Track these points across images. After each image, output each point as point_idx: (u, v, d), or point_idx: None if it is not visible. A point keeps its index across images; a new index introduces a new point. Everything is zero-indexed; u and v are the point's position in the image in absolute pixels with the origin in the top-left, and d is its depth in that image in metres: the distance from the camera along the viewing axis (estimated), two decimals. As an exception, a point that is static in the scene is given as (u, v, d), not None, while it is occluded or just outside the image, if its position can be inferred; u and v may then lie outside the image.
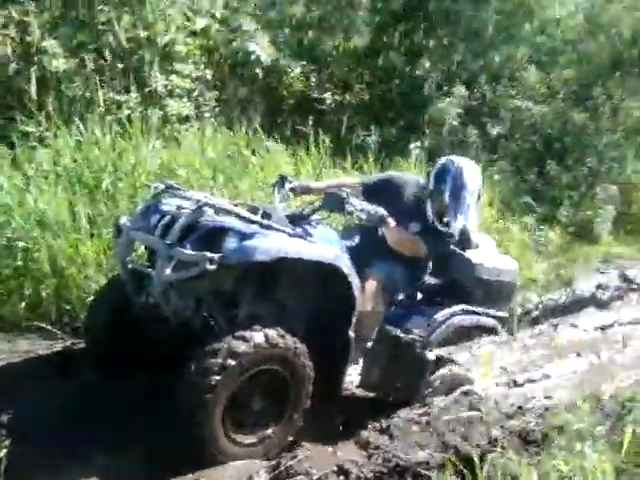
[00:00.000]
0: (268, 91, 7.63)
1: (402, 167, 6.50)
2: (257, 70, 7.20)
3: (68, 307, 4.50)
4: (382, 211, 3.60)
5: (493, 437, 3.50)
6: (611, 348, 5.58)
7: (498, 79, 9.48)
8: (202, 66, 6.84)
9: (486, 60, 9.66)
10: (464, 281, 4.05)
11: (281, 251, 3.07)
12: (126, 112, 5.80)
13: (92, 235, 4.67)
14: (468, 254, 4.07)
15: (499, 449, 3.19)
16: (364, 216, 3.53)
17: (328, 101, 7.58)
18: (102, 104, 5.75)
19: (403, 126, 7.87)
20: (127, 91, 6.09)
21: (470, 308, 4.02)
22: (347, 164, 6.41)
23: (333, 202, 3.53)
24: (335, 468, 3.05)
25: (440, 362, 3.92)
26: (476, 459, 2.79)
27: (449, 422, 3.56)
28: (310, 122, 6.79)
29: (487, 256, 4.16)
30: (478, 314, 4.06)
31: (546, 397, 4.27)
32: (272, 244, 3.08)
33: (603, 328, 6.22)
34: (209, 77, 6.86)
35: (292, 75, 7.66)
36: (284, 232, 3.22)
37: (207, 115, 6.47)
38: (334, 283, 3.36)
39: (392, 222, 3.63)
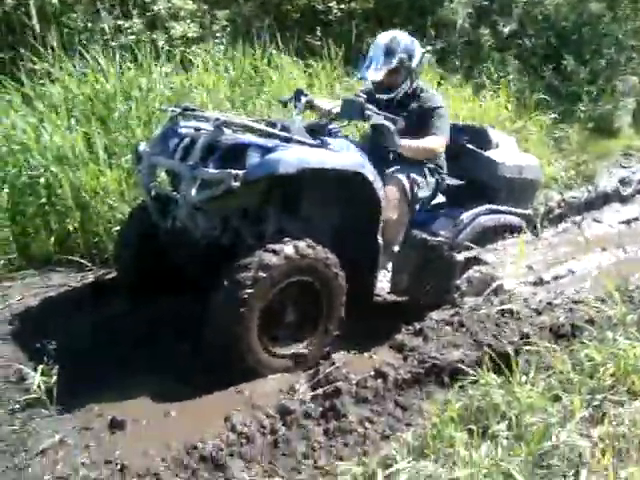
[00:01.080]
0: (273, 7, 7.43)
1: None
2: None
3: (95, 239, 4.55)
4: (397, 118, 3.52)
5: (525, 333, 3.56)
6: (636, 242, 5.59)
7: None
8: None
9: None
10: (487, 181, 4.03)
11: (304, 162, 3.06)
12: (130, 38, 5.68)
13: (111, 165, 4.67)
14: (490, 153, 4.05)
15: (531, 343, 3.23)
16: (381, 121, 3.43)
17: (334, 11, 7.34)
18: (106, 32, 5.62)
19: (412, 30, 7.63)
20: (129, 17, 5.95)
21: (495, 207, 4.01)
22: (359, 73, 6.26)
23: (351, 109, 3.45)
24: (373, 372, 3.12)
25: (469, 263, 3.97)
26: (511, 353, 2.84)
27: (481, 321, 3.63)
28: (318, 34, 6.66)
29: (509, 154, 4.14)
30: (503, 213, 4.05)
31: (575, 292, 4.32)
32: (294, 156, 3.06)
33: (628, 222, 6.21)
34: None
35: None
36: (305, 143, 3.20)
37: (218, 35, 6.32)
38: (359, 190, 3.35)
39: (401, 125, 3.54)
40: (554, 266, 5.12)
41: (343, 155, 3.29)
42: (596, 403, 2.58)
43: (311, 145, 3.22)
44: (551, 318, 3.73)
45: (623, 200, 6.77)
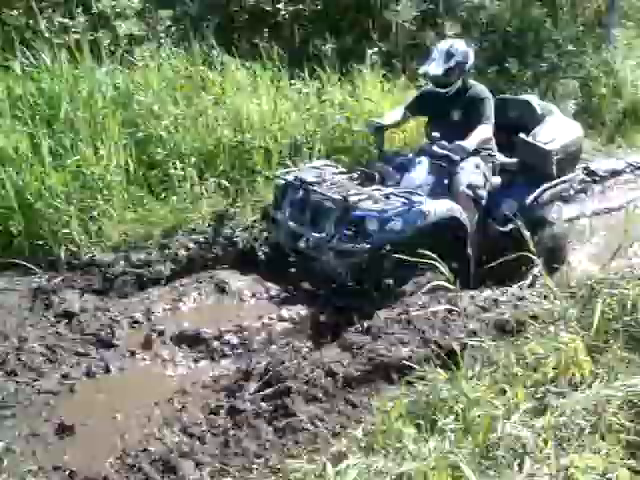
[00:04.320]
0: (219, 8, 7.39)
1: (360, 74, 6.42)
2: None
3: (40, 242, 4.47)
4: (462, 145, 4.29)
5: (471, 329, 3.63)
6: (578, 239, 5.75)
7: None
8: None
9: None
10: (542, 167, 4.68)
11: (413, 226, 3.95)
12: (74, 37, 5.58)
13: (56, 167, 4.60)
14: (540, 138, 4.69)
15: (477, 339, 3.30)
16: (451, 154, 4.32)
17: (282, 12, 7.35)
18: (50, 30, 5.51)
19: (359, 32, 7.71)
20: (72, 16, 5.84)
21: (548, 185, 4.74)
22: (305, 75, 6.37)
23: (424, 152, 4.50)
24: (322, 370, 3.15)
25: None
26: (456, 348, 2.90)
27: (428, 318, 3.70)
28: (265, 35, 6.67)
29: (556, 132, 4.79)
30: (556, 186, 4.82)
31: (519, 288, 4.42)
32: (404, 223, 3.94)
33: (570, 220, 6.37)
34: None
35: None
36: (405, 200, 4.02)
37: (162, 35, 6.27)
38: (452, 225, 4.19)
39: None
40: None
41: (440, 205, 4.13)
42: (539, 395, 2.66)
43: (410, 201, 4.00)
44: (496, 314, 3.82)
45: (565, 200, 6.95)
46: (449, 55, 4.55)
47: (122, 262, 4.49)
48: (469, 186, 4.41)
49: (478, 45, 8.55)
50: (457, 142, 4.28)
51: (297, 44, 7.27)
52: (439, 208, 4.10)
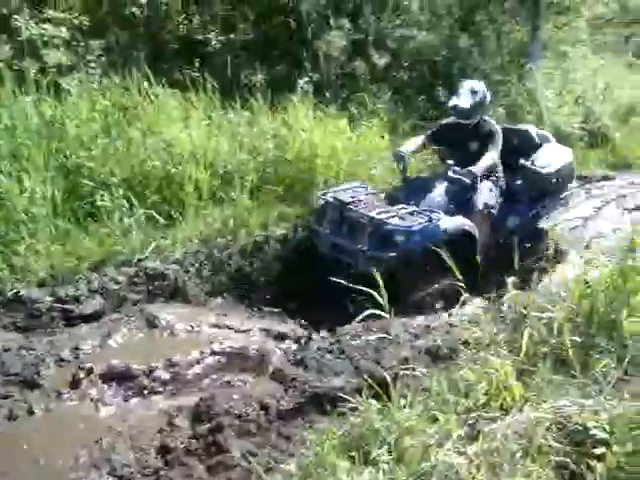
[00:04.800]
0: (151, 37, 7.34)
1: (291, 104, 6.44)
2: (135, 10, 6.92)
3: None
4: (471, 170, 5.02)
5: (404, 357, 3.65)
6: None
7: (382, 9, 9.49)
8: (77, 13, 6.49)
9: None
10: (540, 187, 5.54)
11: (432, 239, 4.51)
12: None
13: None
14: (538, 163, 5.47)
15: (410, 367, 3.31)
16: (463, 178, 5.01)
17: (213, 42, 7.35)
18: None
19: (291, 62, 7.77)
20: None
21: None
22: (237, 105, 6.35)
23: (441, 176, 5.25)
24: (255, 404, 3.10)
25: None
26: (389, 379, 2.89)
27: (361, 347, 3.70)
28: (197, 65, 6.64)
29: (552, 158, 5.59)
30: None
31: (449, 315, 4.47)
32: (424, 236, 4.62)
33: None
34: (87, 24, 6.51)
35: (175, 18, 7.43)
36: (424, 217, 4.73)
37: (92, 64, 6.16)
38: (463, 239, 4.88)
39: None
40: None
41: (455, 221, 4.90)
42: (471, 421, 2.68)
43: (430, 218, 4.70)
44: (428, 341, 3.85)
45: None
46: (473, 92, 5.33)
47: (48, 298, 4.33)
48: (485, 205, 5.27)
49: (408, 74, 8.76)
50: (467, 168, 5.03)
51: (229, 74, 7.26)
52: (454, 224, 4.87)
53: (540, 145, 5.76)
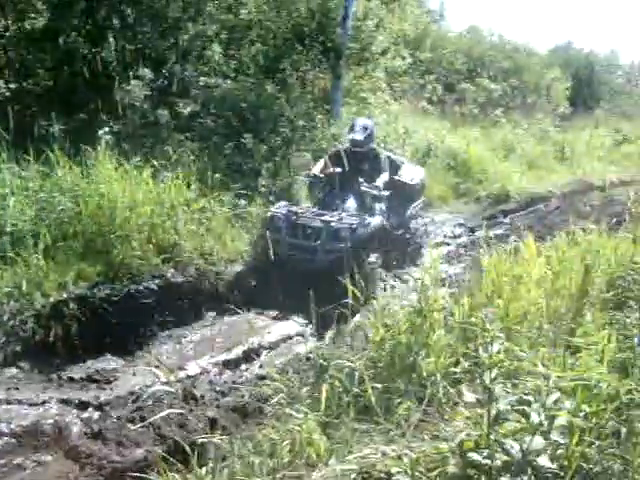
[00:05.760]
0: None
1: (92, 155, 6.15)
2: None
3: None
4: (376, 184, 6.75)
5: (211, 418, 3.52)
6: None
7: (187, 57, 9.47)
8: None
9: (174, 39, 9.59)
10: (408, 195, 7.51)
11: (367, 232, 6.30)
12: None
13: None
14: (403, 176, 7.41)
15: (216, 430, 3.20)
16: (372, 190, 6.71)
17: (2, 90, 6.88)
18: None
19: (91, 111, 7.45)
20: None
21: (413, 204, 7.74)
22: (30, 156, 5.96)
23: (349, 190, 6.86)
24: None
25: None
26: (187, 448, 2.76)
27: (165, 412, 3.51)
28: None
29: (412, 174, 7.64)
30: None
31: (259, 367, 4.42)
32: (363, 230, 6.25)
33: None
34: None
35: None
36: (358, 219, 6.33)
37: None
38: (383, 230, 6.67)
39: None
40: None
41: (376, 220, 6.58)
42: (276, 482, 2.61)
43: (363, 218, 6.37)
44: (235, 398, 3.76)
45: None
46: (365, 128, 7.05)
47: None
48: (381, 209, 6.88)
49: (214, 122, 8.74)
50: (373, 183, 6.72)
51: (23, 123, 6.81)
52: (377, 222, 6.57)
53: (400, 166, 7.65)
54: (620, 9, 77.72)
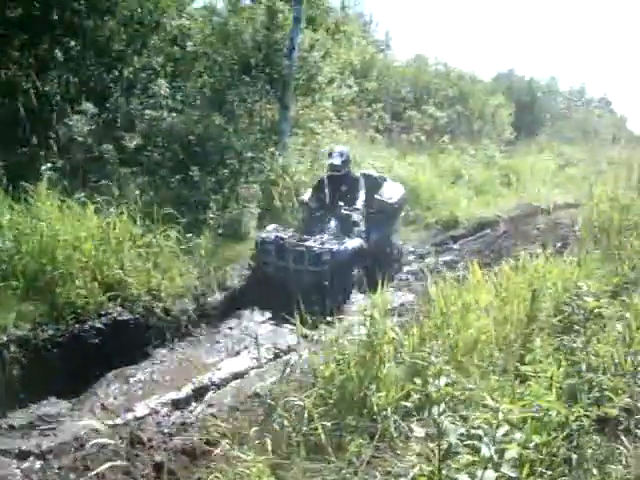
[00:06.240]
0: None
1: (34, 191, 6.00)
2: None
3: None
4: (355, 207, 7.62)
5: (158, 462, 3.41)
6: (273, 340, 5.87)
7: (132, 90, 9.38)
8: None
9: (118, 72, 9.52)
10: (388, 211, 8.15)
11: (345, 255, 6.94)
12: None
13: None
14: (384, 195, 8.11)
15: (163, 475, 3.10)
16: (351, 213, 7.52)
17: None
18: None
19: (33, 146, 7.29)
20: None
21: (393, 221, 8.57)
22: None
23: (331, 213, 7.60)
24: None
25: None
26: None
27: (110, 459, 3.38)
28: None
29: (393, 192, 8.30)
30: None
31: (209, 406, 4.32)
32: (343, 254, 6.92)
33: (264, 322, 6.50)
34: None
35: None
36: (338, 243, 7.05)
37: None
38: (362, 250, 7.28)
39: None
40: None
41: (354, 242, 7.18)
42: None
43: (341, 243, 7.04)
44: (185, 440, 3.65)
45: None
46: (342, 154, 7.85)
47: None
48: (359, 230, 7.53)
49: (161, 155, 8.65)
50: (352, 207, 7.56)
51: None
52: (355, 244, 7.19)
53: (381, 184, 8.31)
54: (558, 37, 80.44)
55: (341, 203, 7.53)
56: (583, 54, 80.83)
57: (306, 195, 8.09)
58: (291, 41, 11.06)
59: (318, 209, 7.72)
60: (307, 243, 7.02)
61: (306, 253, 6.89)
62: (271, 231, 7.36)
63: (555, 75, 43.04)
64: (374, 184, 8.21)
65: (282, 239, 7.11)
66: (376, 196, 8.00)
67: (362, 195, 7.76)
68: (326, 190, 7.77)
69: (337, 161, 7.75)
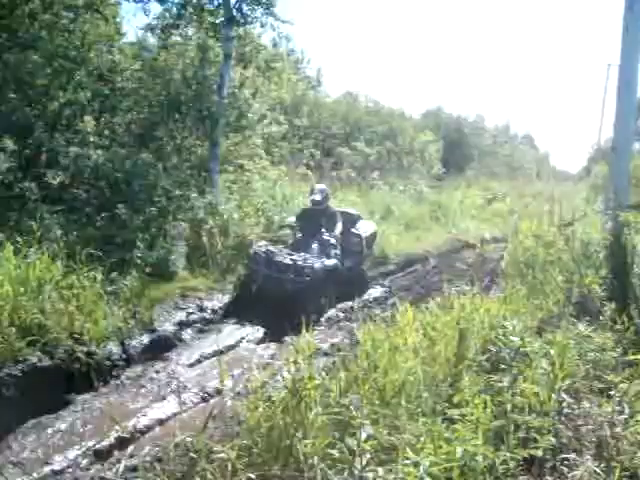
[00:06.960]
0: None
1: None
2: None
3: None
4: (334, 234, 8.93)
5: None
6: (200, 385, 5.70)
7: (56, 126, 9.15)
8: None
9: (41, 107, 9.28)
10: (363, 245, 9.45)
11: (325, 270, 8.17)
12: None
13: None
14: (359, 229, 9.55)
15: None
16: (330, 239, 8.80)
17: None
18: None
19: None
20: None
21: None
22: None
23: (313, 238, 8.88)
24: None
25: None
26: None
27: None
28: None
29: (365, 227, 9.80)
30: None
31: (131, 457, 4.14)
32: (321, 269, 8.10)
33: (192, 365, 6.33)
34: None
35: None
36: (317, 260, 8.26)
37: None
38: (335, 270, 8.47)
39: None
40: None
41: (331, 261, 8.42)
42: None
43: (321, 260, 8.29)
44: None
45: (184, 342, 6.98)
46: (322, 191, 9.15)
47: None
48: (336, 253, 8.70)
49: (87, 192, 8.43)
50: (332, 233, 8.82)
51: None
52: (331, 263, 8.37)
53: (357, 220, 9.80)
54: (484, 75, 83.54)
55: (323, 230, 8.86)
56: (507, 92, 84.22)
57: (289, 220, 9.61)
58: (221, 78, 11.08)
59: (302, 232, 8.99)
60: (293, 257, 8.18)
61: (291, 265, 8.02)
62: (262, 246, 8.53)
63: (481, 112, 44.61)
64: (350, 220, 9.60)
65: (272, 252, 8.28)
66: (352, 230, 9.40)
67: (339, 226, 9.01)
68: (309, 218, 9.02)
69: (318, 197, 9.05)
